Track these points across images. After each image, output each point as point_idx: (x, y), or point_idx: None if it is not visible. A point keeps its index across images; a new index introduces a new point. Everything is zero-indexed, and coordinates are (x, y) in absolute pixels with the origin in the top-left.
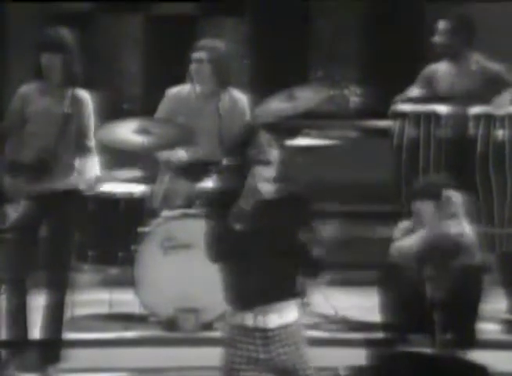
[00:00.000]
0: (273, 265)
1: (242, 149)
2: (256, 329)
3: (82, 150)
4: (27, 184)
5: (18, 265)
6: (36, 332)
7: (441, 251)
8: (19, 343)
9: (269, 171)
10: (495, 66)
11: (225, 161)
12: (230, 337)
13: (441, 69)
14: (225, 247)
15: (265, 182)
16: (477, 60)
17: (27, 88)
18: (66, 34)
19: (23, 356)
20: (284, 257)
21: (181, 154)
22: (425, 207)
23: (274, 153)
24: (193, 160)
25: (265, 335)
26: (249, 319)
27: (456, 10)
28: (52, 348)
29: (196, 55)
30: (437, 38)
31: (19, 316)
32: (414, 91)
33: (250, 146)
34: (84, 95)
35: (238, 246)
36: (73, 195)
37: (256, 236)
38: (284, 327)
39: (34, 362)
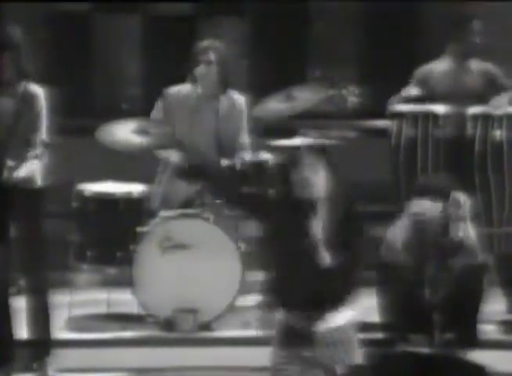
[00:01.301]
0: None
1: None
2: (306, 332)
3: (32, 145)
4: None
5: None
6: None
7: (439, 249)
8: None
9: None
10: (493, 69)
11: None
12: (278, 337)
13: (439, 68)
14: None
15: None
16: (476, 62)
17: None
18: (11, 31)
19: (14, 357)
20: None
21: (177, 157)
22: (432, 207)
23: (319, 175)
24: (191, 161)
25: (311, 336)
26: (296, 320)
27: (456, 9)
28: (40, 348)
29: (205, 57)
30: (477, 39)
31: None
32: (411, 90)
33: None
34: (37, 90)
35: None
36: (35, 193)
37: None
38: (333, 330)
39: (23, 363)
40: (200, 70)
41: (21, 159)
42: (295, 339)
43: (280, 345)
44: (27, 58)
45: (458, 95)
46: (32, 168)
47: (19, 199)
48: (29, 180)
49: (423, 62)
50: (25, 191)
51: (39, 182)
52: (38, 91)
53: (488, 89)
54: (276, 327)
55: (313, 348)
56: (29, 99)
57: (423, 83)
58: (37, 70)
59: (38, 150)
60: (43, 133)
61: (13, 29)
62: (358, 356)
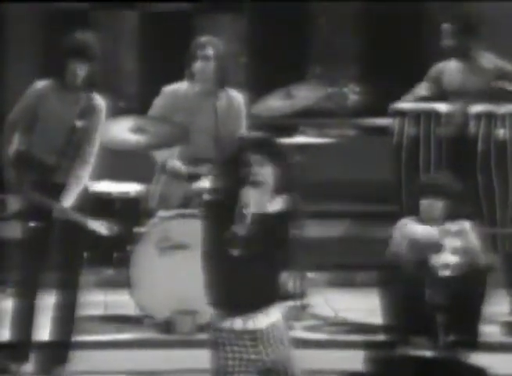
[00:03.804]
0: (263, 273)
1: (231, 168)
2: (245, 331)
3: (83, 155)
4: (34, 178)
5: (30, 265)
6: (44, 332)
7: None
8: (23, 345)
9: (261, 193)
10: (507, 66)
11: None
12: (217, 341)
13: (451, 67)
14: (220, 269)
15: (256, 204)
16: (489, 58)
17: (43, 86)
18: (93, 40)
19: (30, 359)
20: (273, 263)
21: (177, 165)
22: (435, 205)
23: (266, 173)
24: (189, 166)
25: (254, 336)
26: (238, 323)
27: (458, 8)
28: (61, 349)
29: (204, 52)
30: (444, 42)
31: (26, 318)
32: (422, 90)
33: (240, 166)
34: (100, 102)
35: (233, 266)
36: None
37: (253, 256)
38: (271, 326)
39: (42, 364)
40: (198, 65)
41: (71, 169)
42: (236, 341)
43: (223, 352)
44: (97, 68)
45: (468, 93)
46: (83, 183)
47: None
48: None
49: (424, 59)
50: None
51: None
52: (101, 103)
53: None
54: (211, 334)
55: (257, 349)
56: (91, 111)
57: (435, 81)
58: (101, 80)
59: (88, 164)
60: (95, 146)
61: (93, 38)
62: (294, 355)
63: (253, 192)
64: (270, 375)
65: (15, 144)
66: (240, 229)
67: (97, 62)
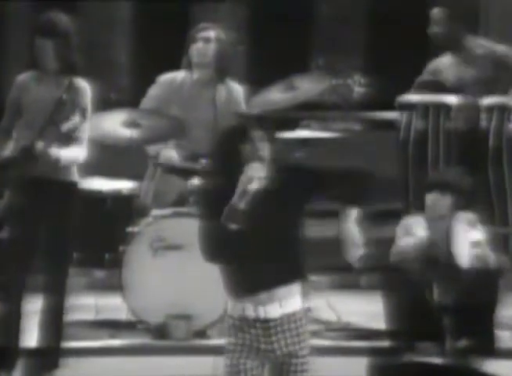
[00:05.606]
0: (272, 253)
1: (233, 145)
2: (257, 320)
3: (71, 140)
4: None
5: (15, 268)
6: (32, 338)
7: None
8: (10, 352)
9: (262, 168)
10: (502, 49)
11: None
12: (231, 327)
13: (445, 62)
14: (221, 248)
15: (257, 179)
16: (482, 44)
17: (23, 77)
18: (60, 18)
19: (17, 365)
20: (283, 242)
21: (171, 154)
22: (442, 201)
23: (266, 149)
24: (184, 157)
25: (267, 326)
26: (249, 309)
27: None
28: (50, 354)
29: (205, 33)
30: (433, 28)
31: (12, 323)
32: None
33: (242, 142)
34: (83, 84)
35: (234, 245)
36: (66, 187)
37: (253, 232)
38: (286, 316)
39: (29, 372)
40: (197, 46)
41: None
42: (248, 329)
43: (235, 338)
44: (75, 49)
45: (467, 86)
46: (72, 156)
47: (45, 191)
48: (67, 170)
49: (431, 49)
50: (60, 183)
51: (75, 176)
52: (84, 85)
53: (501, 74)
54: (227, 320)
55: (269, 339)
56: (74, 93)
57: (434, 76)
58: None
59: (79, 147)
60: (85, 129)
61: (61, 16)
62: (308, 348)
63: (258, 167)
64: (282, 368)
65: (6, 150)
66: (241, 204)
67: (66, 41)
